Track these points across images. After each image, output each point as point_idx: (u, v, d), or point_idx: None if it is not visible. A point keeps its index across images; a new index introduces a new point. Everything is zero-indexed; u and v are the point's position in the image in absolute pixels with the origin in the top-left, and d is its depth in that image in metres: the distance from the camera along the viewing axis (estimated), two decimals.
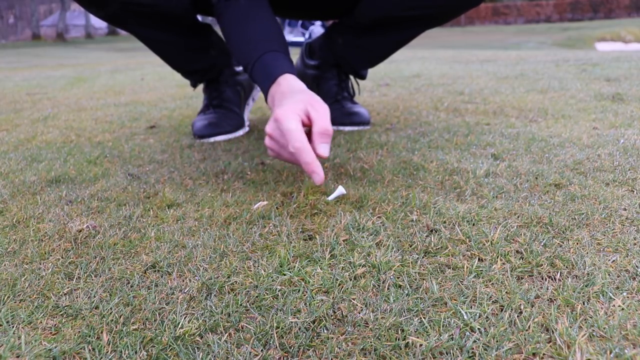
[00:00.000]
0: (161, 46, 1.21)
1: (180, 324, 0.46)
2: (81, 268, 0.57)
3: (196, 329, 0.45)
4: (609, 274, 0.51)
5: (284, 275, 0.54)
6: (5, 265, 0.58)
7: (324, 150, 0.76)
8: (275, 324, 0.45)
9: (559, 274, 0.52)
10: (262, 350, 0.42)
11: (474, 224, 0.65)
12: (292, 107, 0.77)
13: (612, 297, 0.47)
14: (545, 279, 0.51)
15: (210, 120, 1.24)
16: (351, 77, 1.39)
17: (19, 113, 1.75)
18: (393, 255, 0.57)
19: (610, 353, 0.40)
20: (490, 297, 0.48)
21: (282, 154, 0.78)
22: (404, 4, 1.10)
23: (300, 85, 0.85)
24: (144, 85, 2.70)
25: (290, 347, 0.42)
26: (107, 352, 0.42)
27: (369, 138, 1.14)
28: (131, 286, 0.53)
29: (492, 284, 0.51)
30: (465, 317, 0.45)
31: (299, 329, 0.45)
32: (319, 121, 0.76)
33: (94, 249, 0.61)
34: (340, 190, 0.76)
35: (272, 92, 0.86)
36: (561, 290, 0.49)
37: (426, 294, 0.49)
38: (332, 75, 1.35)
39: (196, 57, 1.25)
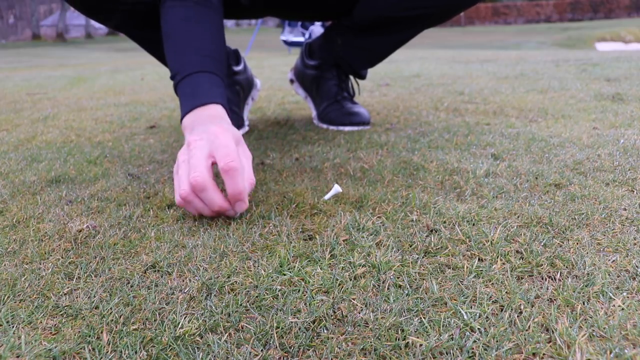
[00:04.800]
0: (159, 47, 1.21)
1: (180, 324, 0.46)
2: (81, 268, 0.57)
3: (196, 329, 0.45)
4: (609, 274, 0.51)
5: (284, 275, 0.54)
6: (5, 265, 0.58)
7: (239, 209, 0.69)
8: (275, 324, 0.45)
9: (559, 274, 0.52)
10: (262, 350, 0.42)
11: (474, 224, 0.65)
12: (205, 152, 0.69)
13: (612, 297, 0.47)
14: (545, 279, 0.51)
15: None
16: (351, 77, 1.39)
17: (19, 113, 1.75)
18: (393, 255, 0.57)
19: (610, 353, 0.40)
20: (490, 297, 0.48)
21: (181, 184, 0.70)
22: (400, 4, 1.10)
23: (227, 119, 0.78)
24: (144, 85, 2.70)
25: (290, 347, 0.42)
26: (107, 352, 0.42)
27: (369, 138, 1.14)
28: (131, 286, 0.53)
29: (492, 284, 0.51)
30: (465, 317, 0.45)
31: (299, 329, 0.45)
32: (230, 187, 0.67)
33: (94, 249, 0.61)
34: (336, 188, 0.76)
35: (197, 114, 0.77)
36: (561, 290, 0.49)
37: (426, 294, 0.49)
38: (331, 75, 1.35)
39: None
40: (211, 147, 0.69)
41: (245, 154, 0.73)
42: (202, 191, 0.66)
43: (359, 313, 0.47)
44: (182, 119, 0.78)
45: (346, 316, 0.46)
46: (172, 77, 0.85)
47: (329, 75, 1.35)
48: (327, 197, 0.75)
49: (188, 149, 0.71)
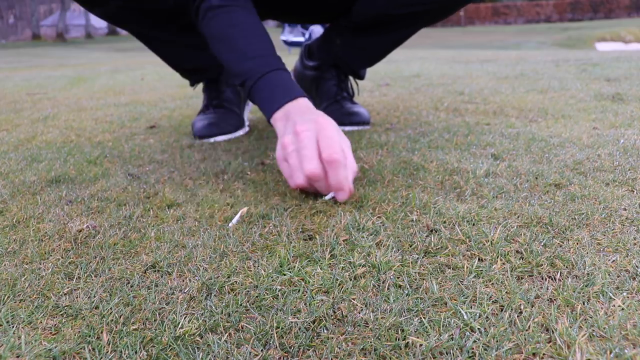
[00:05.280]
0: (160, 44, 1.21)
1: (180, 324, 0.46)
2: (81, 268, 0.57)
3: (196, 329, 0.45)
4: (609, 274, 0.51)
5: (284, 275, 0.54)
6: (5, 265, 0.58)
7: (340, 198, 0.73)
8: (275, 324, 0.45)
9: (559, 274, 0.52)
10: (262, 350, 0.42)
11: (474, 224, 0.65)
12: (314, 142, 0.73)
13: (612, 297, 0.47)
14: (545, 279, 0.51)
15: (210, 121, 1.24)
16: (350, 77, 1.39)
17: (19, 113, 1.75)
18: (393, 255, 0.57)
19: (610, 353, 0.40)
20: (490, 297, 0.48)
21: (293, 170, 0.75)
22: (399, 0, 1.10)
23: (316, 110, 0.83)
24: (144, 85, 2.70)
25: (290, 347, 0.42)
26: (107, 352, 0.42)
27: (369, 138, 1.14)
28: (131, 286, 0.53)
29: (492, 284, 0.51)
30: (465, 317, 0.45)
31: (299, 329, 0.45)
32: (332, 178, 0.72)
33: (94, 249, 0.61)
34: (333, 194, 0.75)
35: (288, 108, 0.81)
36: (561, 290, 0.49)
37: (426, 294, 0.49)
38: (331, 75, 1.35)
39: (195, 55, 1.25)
40: (317, 137, 0.73)
41: (345, 143, 0.76)
42: (316, 182, 0.73)
43: (359, 313, 0.47)
44: (271, 115, 0.82)
45: (346, 316, 0.46)
46: (241, 84, 0.88)
47: (328, 76, 1.35)
48: (327, 197, 0.75)
49: (297, 138, 0.74)
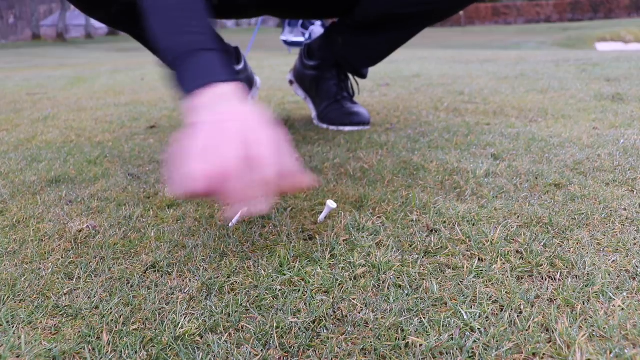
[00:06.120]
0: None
1: (180, 324, 0.46)
2: (81, 268, 0.57)
3: (196, 329, 0.45)
4: (609, 274, 0.51)
5: (284, 275, 0.54)
6: (5, 265, 0.58)
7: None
8: (275, 324, 0.45)
9: (559, 274, 0.52)
10: (262, 350, 0.42)
11: (474, 224, 0.65)
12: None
13: (612, 297, 0.47)
14: (545, 279, 0.51)
15: None
16: (351, 76, 1.39)
17: (19, 113, 1.75)
18: (393, 255, 0.57)
19: (610, 353, 0.40)
20: (490, 297, 0.48)
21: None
22: (403, 0, 1.10)
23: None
24: (144, 85, 2.70)
25: (290, 347, 0.42)
26: (107, 352, 0.42)
27: (369, 138, 1.14)
28: (131, 286, 0.53)
29: (492, 284, 0.51)
30: (465, 317, 0.45)
31: (299, 329, 0.45)
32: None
33: (94, 249, 0.61)
34: (330, 205, 0.66)
35: (213, 92, 0.63)
36: (561, 290, 0.49)
37: (426, 294, 0.49)
38: (331, 75, 1.35)
39: None
40: (243, 130, 0.55)
41: (271, 138, 0.57)
42: (227, 181, 0.51)
43: (359, 313, 0.47)
44: (191, 91, 0.64)
45: (346, 316, 0.46)
46: (170, 61, 0.70)
47: (328, 75, 1.35)
48: (321, 217, 0.68)
49: (216, 127, 0.57)
